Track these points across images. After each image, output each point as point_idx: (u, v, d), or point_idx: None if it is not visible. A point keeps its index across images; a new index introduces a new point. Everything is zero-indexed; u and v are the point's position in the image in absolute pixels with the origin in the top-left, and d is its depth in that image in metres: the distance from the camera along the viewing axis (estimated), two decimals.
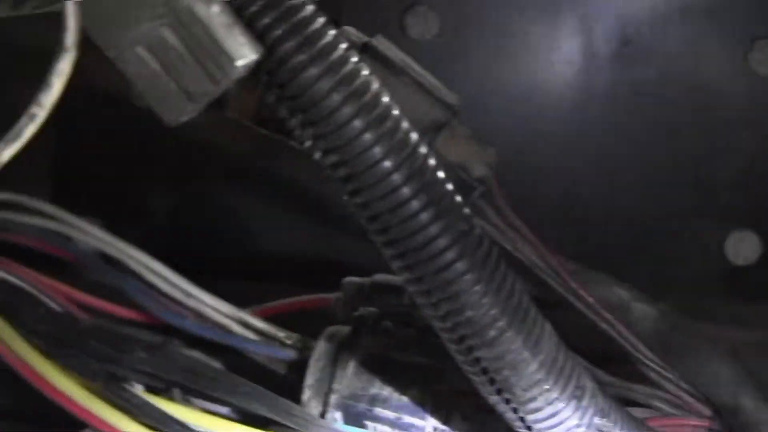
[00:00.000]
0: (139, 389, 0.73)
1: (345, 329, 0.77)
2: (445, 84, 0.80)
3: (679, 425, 0.79)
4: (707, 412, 0.80)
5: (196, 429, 0.70)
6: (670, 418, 0.79)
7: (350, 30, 0.77)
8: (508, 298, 0.62)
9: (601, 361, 0.79)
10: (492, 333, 0.62)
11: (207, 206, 1.07)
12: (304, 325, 0.79)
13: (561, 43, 1.07)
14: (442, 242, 0.60)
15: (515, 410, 0.66)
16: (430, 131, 0.76)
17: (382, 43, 0.78)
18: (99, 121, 1.02)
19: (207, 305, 0.77)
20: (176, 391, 0.73)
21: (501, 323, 0.62)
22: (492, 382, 0.64)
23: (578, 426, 0.67)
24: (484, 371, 0.64)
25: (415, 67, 0.78)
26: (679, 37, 1.06)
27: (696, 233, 1.10)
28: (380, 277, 0.83)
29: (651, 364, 0.81)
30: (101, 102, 0.96)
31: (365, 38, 0.78)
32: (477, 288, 0.61)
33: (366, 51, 0.77)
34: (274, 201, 1.07)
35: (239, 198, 1.08)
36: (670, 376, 0.81)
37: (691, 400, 0.81)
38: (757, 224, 1.09)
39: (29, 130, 0.50)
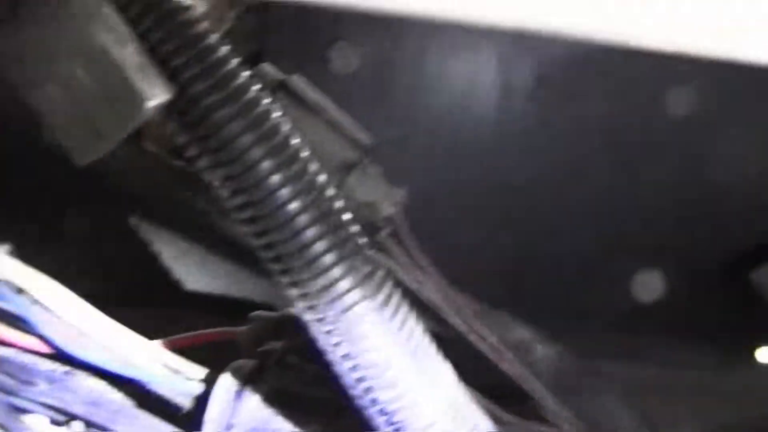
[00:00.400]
0: (43, 421, 0.73)
1: (250, 363, 0.78)
2: (365, 119, 0.82)
3: None
4: None
5: None
6: None
7: (268, 68, 0.78)
8: (407, 340, 0.63)
9: (501, 399, 0.80)
10: (390, 374, 0.63)
11: (120, 235, 1.07)
12: (212, 358, 0.79)
13: (479, 82, 1.08)
14: (344, 284, 0.61)
15: None
16: (341, 170, 0.77)
17: (297, 83, 0.79)
18: (11, 146, 1.01)
19: (113, 336, 0.77)
20: (77, 424, 0.73)
21: (400, 365, 0.63)
22: (390, 422, 0.65)
23: None
24: (382, 412, 0.65)
25: (330, 107, 0.80)
26: (595, 79, 1.08)
27: (604, 271, 1.12)
28: (288, 312, 0.83)
29: (549, 404, 0.83)
30: (13, 127, 0.95)
31: (282, 76, 0.79)
32: (378, 330, 0.62)
33: (281, 89, 0.78)
34: (186, 232, 1.07)
35: (153, 228, 1.07)
36: (567, 415, 0.82)
37: None
38: (663, 263, 1.11)
39: None
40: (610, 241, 1.11)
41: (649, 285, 1.12)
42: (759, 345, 1.08)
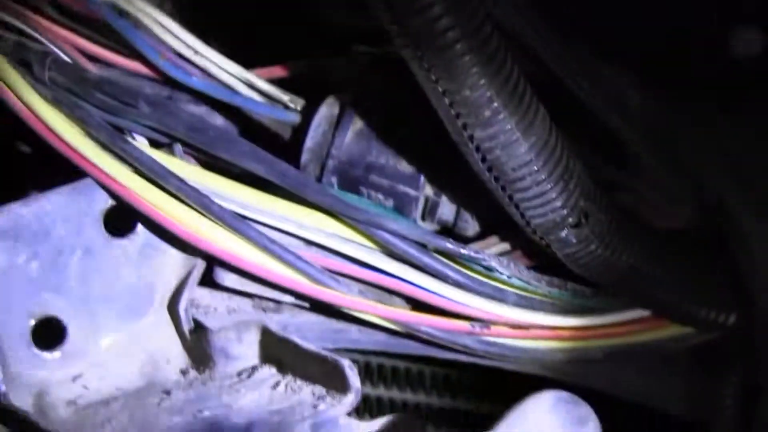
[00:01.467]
0: (142, 142, 0.75)
1: (347, 96, 0.78)
2: None
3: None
4: (684, 198, 0.81)
5: (193, 184, 0.71)
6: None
7: None
8: (505, 82, 0.64)
9: (594, 146, 0.80)
10: (486, 113, 0.64)
11: None
12: (310, 90, 0.80)
13: None
14: (445, 22, 0.61)
15: (504, 188, 0.68)
16: None
17: None
18: None
19: (214, 63, 0.78)
20: (177, 146, 0.75)
21: (496, 104, 0.64)
22: (484, 160, 0.66)
23: (563, 207, 0.69)
24: (477, 149, 0.66)
25: None
26: None
27: (701, 24, 1.09)
28: (387, 49, 0.83)
29: (642, 151, 0.82)
30: None
31: None
32: (475, 69, 0.62)
33: None
34: None
35: None
36: (656, 163, 0.82)
37: (672, 185, 0.82)
38: (762, 18, 1.08)
39: None
40: None
41: (746, 40, 1.09)
42: None
